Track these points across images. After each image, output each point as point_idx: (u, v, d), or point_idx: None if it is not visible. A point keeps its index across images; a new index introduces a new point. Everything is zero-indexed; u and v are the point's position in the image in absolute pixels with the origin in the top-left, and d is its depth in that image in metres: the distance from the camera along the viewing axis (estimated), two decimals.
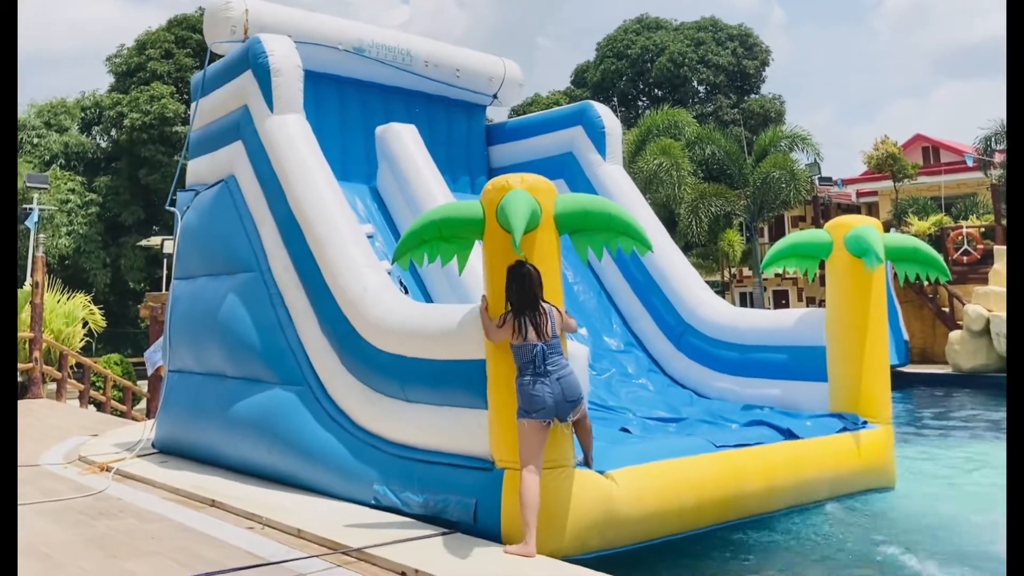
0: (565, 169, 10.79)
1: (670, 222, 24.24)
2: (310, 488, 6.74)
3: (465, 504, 5.48)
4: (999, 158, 24.89)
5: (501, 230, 5.40)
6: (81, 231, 34.55)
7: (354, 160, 10.34)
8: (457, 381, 5.74)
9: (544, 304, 5.31)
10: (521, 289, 5.26)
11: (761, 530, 6.27)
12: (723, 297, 20.74)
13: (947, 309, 21.40)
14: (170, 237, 10.10)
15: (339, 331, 6.81)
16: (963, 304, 19.74)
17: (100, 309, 20.17)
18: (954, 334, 19.10)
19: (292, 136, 7.91)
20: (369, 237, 8.83)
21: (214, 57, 9.45)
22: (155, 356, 10.46)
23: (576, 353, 6.76)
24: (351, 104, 10.55)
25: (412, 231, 5.69)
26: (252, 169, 8.15)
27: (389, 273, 7.97)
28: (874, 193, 32.71)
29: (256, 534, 5.68)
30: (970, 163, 27.47)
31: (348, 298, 6.76)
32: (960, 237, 23.03)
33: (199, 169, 9.25)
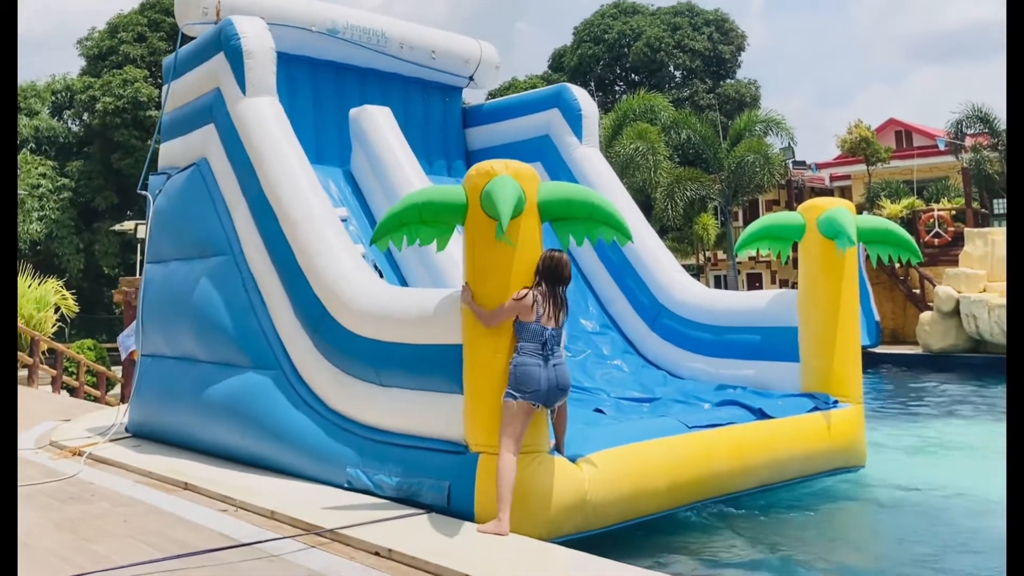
0: (542, 152, 10.78)
1: (646, 206, 24.33)
2: (284, 471, 6.72)
3: (438, 487, 5.50)
4: (970, 142, 25.16)
5: (484, 216, 5.39)
6: (53, 216, 34.11)
7: (328, 143, 10.28)
8: (432, 366, 5.73)
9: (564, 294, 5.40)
10: (558, 271, 5.37)
11: (734, 508, 6.35)
12: (698, 280, 20.86)
13: (918, 291, 21.70)
14: (143, 222, 10.00)
15: (313, 315, 6.78)
16: (934, 286, 20.00)
17: (73, 295, 19.97)
18: (924, 315, 19.36)
19: (265, 119, 7.85)
20: (343, 220, 8.80)
21: (186, 39, 9.35)
22: (128, 341, 10.37)
23: None
24: (325, 86, 10.48)
25: (392, 213, 5.66)
26: (224, 152, 8.08)
27: (364, 257, 7.95)
28: (847, 177, 32.98)
29: (229, 516, 5.67)
30: (942, 147, 27.73)
31: (322, 281, 6.74)
32: (931, 220, 23.31)
33: (171, 152, 9.16)
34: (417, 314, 5.89)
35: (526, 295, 5.29)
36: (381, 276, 8.56)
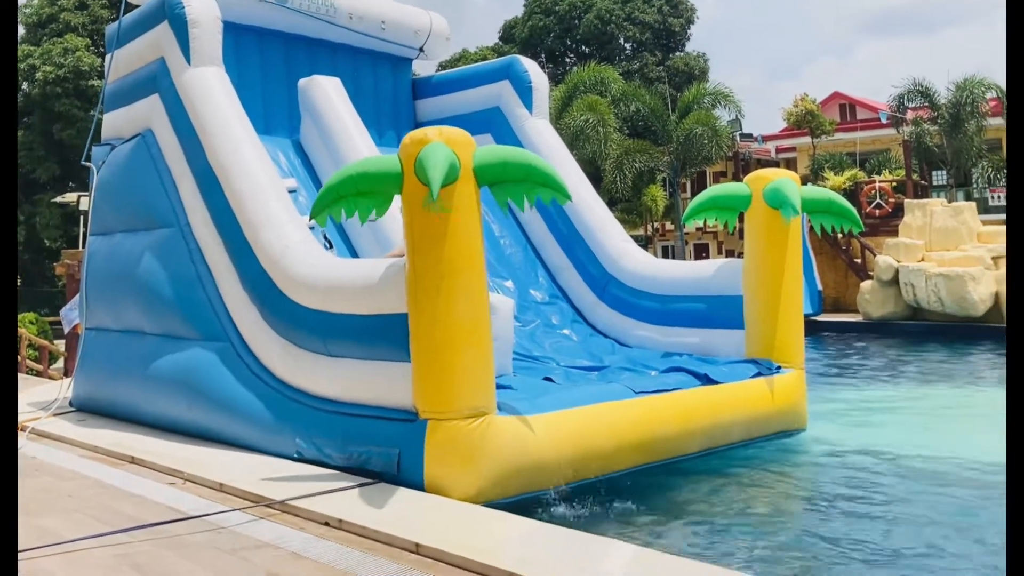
0: (492, 123, 10.78)
1: (596, 177, 24.48)
2: (233, 443, 6.71)
3: (388, 455, 5.55)
4: (911, 115, 25.72)
5: (420, 184, 5.39)
6: None
7: (277, 114, 10.17)
8: (379, 335, 5.76)
9: None
10: None
11: (678, 471, 6.53)
12: (646, 250, 21.02)
13: (859, 260, 22.26)
14: (86, 194, 9.79)
15: (260, 287, 6.75)
16: (874, 255, 20.52)
17: None
18: (865, 284, 19.88)
19: (210, 89, 7.75)
20: (292, 192, 8.75)
21: (130, 7, 9.15)
22: (72, 314, 10.19)
23: (500, 305, 6.90)
24: (273, 57, 10.34)
25: (329, 187, 5.65)
26: (170, 123, 7.98)
27: (312, 229, 7.93)
28: (793, 149, 33.49)
29: (177, 489, 5.65)
30: (884, 120, 28.31)
31: (269, 254, 6.70)
32: (873, 191, 23.87)
33: (115, 123, 9.00)
34: (362, 284, 5.91)
35: None
36: (331, 248, 8.56)
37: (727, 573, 3.88)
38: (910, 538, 5.10)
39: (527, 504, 5.44)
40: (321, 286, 6.23)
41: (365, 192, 5.56)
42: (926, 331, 17.68)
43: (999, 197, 25.54)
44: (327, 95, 9.63)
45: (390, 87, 11.47)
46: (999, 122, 24.53)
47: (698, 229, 29.48)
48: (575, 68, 35.76)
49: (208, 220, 7.36)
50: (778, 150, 34.02)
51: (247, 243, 6.92)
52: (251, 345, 6.84)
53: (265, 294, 6.70)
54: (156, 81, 8.18)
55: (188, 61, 7.84)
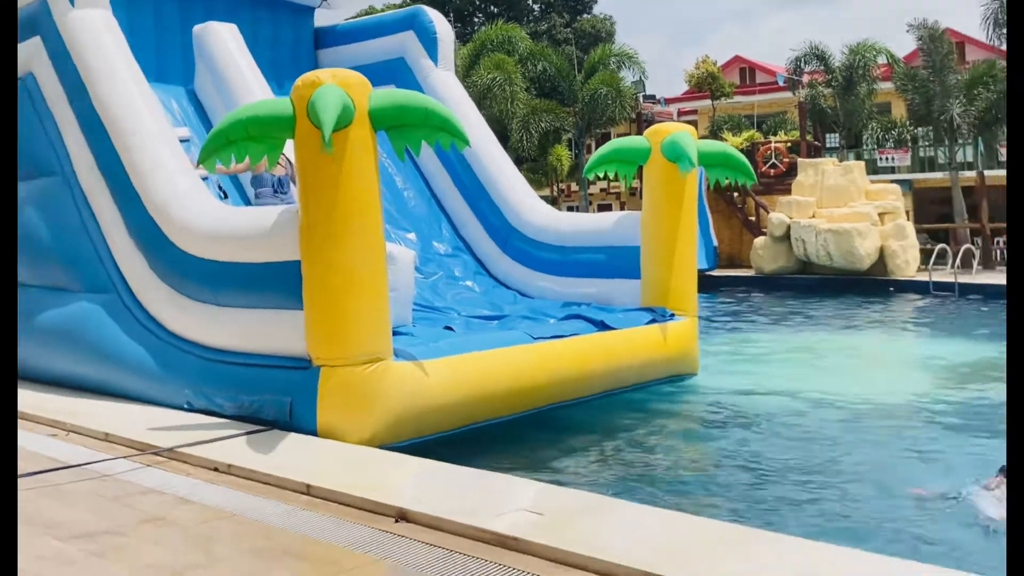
0: (396, 75, 10.63)
1: (502, 136, 24.47)
2: (123, 396, 6.55)
3: (280, 403, 5.51)
4: (807, 79, 26.54)
5: (313, 127, 5.27)
6: None
7: (170, 61, 9.82)
8: (270, 283, 5.69)
9: None
10: None
11: (575, 413, 6.71)
12: None
13: (753, 218, 23.09)
14: None
15: (147, 236, 6.56)
16: (768, 212, 21.27)
17: None
18: (758, 240, 20.66)
19: (96, 33, 7.43)
20: (185, 141, 8.50)
21: None
22: None
23: (400, 256, 6.90)
24: (167, 3, 9.96)
25: (217, 131, 5.50)
26: (52, 67, 7.62)
27: (206, 180, 7.75)
28: (694, 112, 34.12)
29: (61, 440, 5.49)
30: (781, 83, 29.10)
31: (155, 202, 6.50)
32: (768, 152, 24.71)
33: None
34: (252, 233, 5.81)
35: None
36: (226, 197, 8.39)
37: (630, 505, 3.97)
38: (794, 454, 5.59)
39: (423, 448, 5.48)
40: (210, 235, 6.09)
41: (255, 136, 5.43)
42: (815, 284, 18.60)
43: (888, 158, 26.74)
44: (223, 42, 9.34)
45: (290, 36, 11.19)
46: (889, 86, 25.55)
47: (602, 190, 29.86)
48: (483, 27, 35.51)
49: (94, 167, 7.09)
50: (680, 112, 34.59)
51: (134, 191, 6.69)
52: (139, 296, 6.65)
53: (153, 243, 6.52)
54: (37, 23, 7.79)
55: (71, 2, 7.49)
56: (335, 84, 5.34)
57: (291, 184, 7.80)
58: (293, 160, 5.74)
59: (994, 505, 4.29)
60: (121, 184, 6.84)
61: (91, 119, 7.15)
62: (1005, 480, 4.23)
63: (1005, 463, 4.41)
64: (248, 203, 8.71)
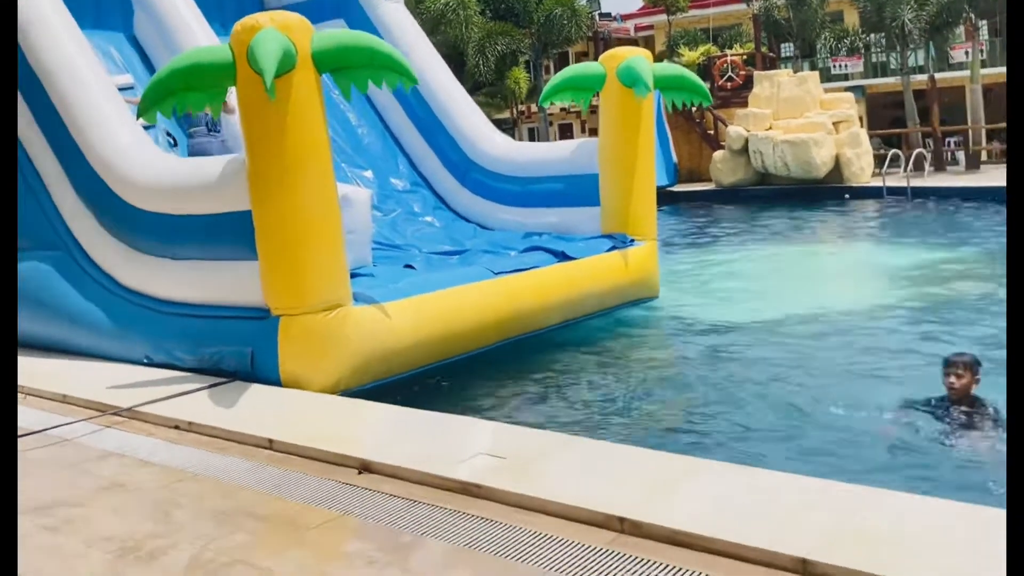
0: (344, 8, 10.31)
1: (459, 62, 24.06)
2: (80, 354, 6.46)
3: (241, 354, 5.47)
4: None
5: (254, 74, 5.11)
6: None
7: (108, 6, 9.43)
8: (223, 234, 5.59)
9: None
10: None
11: (540, 343, 6.77)
12: (511, 134, 21.05)
13: (712, 132, 23.11)
14: None
15: (94, 192, 6.38)
16: (726, 126, 21.26)
17: None
18: (717, 153, 20.73)
19: None
20: (127, 88, 8.25)
21: None
22: None
23: (355, 197, 6.80)
24: None
25: (155, 81, 5.32)
26: None
27: (152, 128, 7.54)
28: (651, 27, 33.65)
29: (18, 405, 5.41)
30: None
31: (100, 157, 6.30)
32: (725, 65, 24.56)
33: None
34: (201, 183, 5.69)
35: None
36: (176, 145, 8.20)
37: (591, 442, 4.00)
38: (755, 373, 5.74)
39: (388, 389, 5.47)
40: (159, 187, 5.95)
41: (196, 86, 5.27)
42: (773, 195, 18.85)
43: (841, 66, 26.75)
44: None
45: None
46: None
47: (562, 110, 29.60)
48: None
49: (32, 124, 6.83)
50: (637, 28, 34.11)
51: (76, 146, 6.48)
52: (90, 252, 6.52)
53: (100, 199, 6.35)
54: None
55: None
56: (275, 28, 5.16)
57: (226, 119, 7.56)
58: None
59: (950, 426, 4.44)
60: (62, 140, 6.62)
61: (25, 72, 6.86)
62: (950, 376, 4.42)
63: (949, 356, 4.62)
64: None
